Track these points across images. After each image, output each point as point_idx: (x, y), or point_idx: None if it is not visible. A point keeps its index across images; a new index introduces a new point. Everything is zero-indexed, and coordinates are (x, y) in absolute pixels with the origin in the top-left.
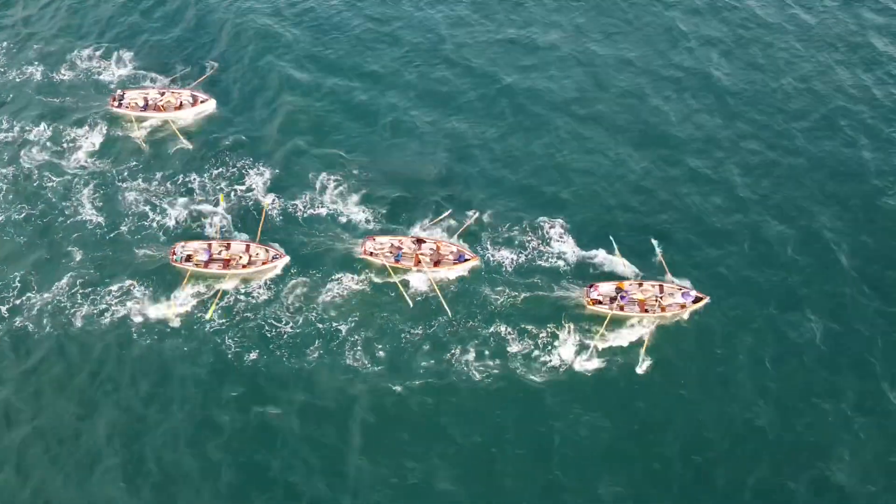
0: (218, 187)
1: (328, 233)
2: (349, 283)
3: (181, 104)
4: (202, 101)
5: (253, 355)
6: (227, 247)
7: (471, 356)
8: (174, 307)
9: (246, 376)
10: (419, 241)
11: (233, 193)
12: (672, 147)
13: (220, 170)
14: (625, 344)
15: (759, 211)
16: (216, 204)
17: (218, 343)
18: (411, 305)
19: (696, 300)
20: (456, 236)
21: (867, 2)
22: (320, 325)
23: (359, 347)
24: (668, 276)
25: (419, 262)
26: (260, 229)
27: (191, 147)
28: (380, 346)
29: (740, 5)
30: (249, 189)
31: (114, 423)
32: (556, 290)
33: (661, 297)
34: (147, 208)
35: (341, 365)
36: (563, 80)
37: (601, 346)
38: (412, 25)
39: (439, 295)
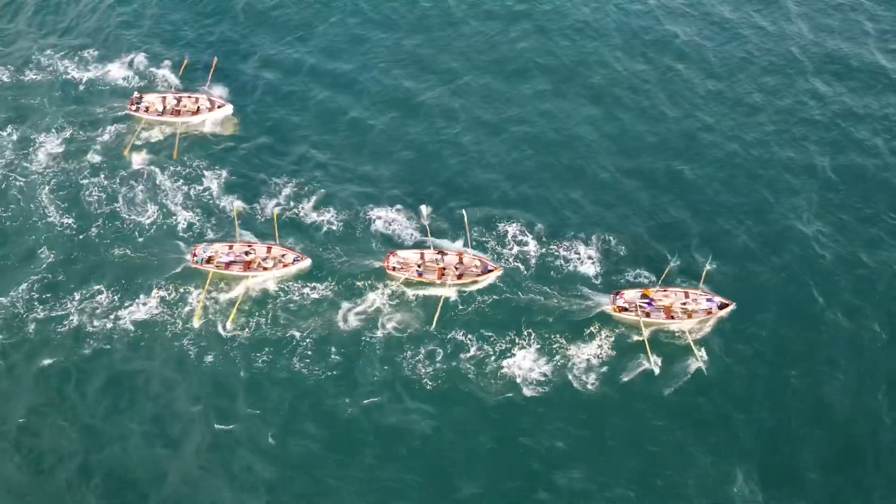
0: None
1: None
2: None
3: (198, 109)
4: (219, 106)
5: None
6: (249, 249)
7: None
8: (199, 310)
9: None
10: (441, 253)
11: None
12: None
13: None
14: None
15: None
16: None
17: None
18: (434, 325)
19: (722, 306)
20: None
21: None
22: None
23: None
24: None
25: (443, 274)
26: (276, 234)
27: (216, 150)
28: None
29: None
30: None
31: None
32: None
33: (686, 304)
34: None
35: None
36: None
37: (648, 357)
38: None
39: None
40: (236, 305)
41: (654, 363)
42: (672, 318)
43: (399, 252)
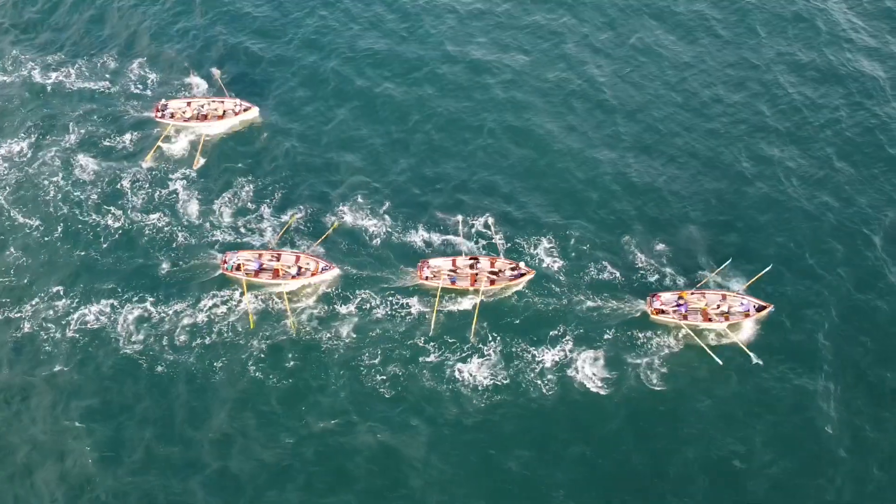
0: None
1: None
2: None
3: (224, 113)
4: (245, 110)
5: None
6: (278, 257)
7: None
8: (251, 316)
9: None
10: (473, 259)
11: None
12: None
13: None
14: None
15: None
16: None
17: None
18: (472, 332)
19: (760, 308)
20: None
21: None
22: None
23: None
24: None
25: (475, 281)
26: (319, 241)
27: (202, 163)
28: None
29: None
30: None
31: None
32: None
33: (723, 306)
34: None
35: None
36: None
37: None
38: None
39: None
40: (289, 312)
41: (718, 360)
42: (709, 320)
43: (431, 260)
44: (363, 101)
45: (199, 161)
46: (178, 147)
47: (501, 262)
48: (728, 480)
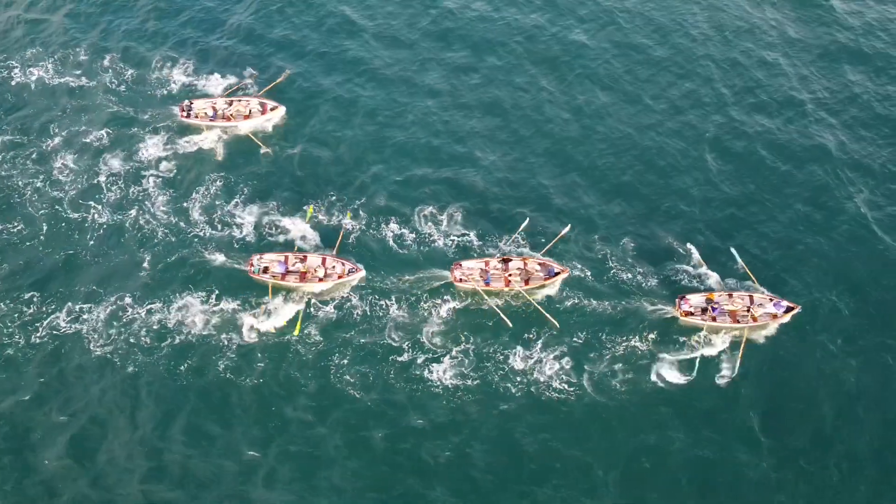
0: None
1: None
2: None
3: (250, 113)
4: (271, 109)
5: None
6: (303, 259)
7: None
8: (277, 321)
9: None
10: (505, 260)
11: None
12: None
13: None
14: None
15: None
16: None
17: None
18: (511, 326)
19: (788, 310)
20: (544, 251)
21: None
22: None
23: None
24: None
25: (509, 282)
26: (338, 244)
27: (270, 153)
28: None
29: None
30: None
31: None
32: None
33: (752, 308)
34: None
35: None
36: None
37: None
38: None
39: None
40: (300, 316)
41: (737, 366)
42: (738, 321)
43: (464, 263)
44: (384, 103)
45: (217, 157)
46: (205, 147)
47: (535, 262)
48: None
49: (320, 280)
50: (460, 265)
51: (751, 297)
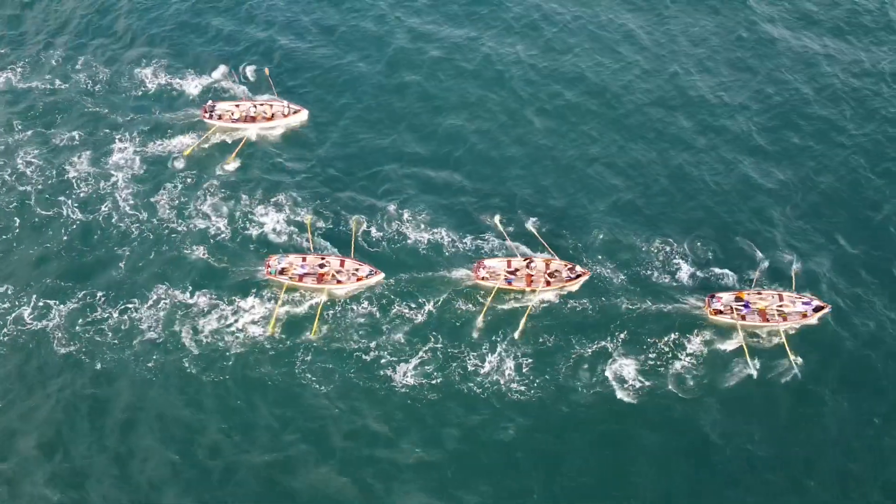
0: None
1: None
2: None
3: (273, 115)
4: (294, 112)
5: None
6: (323, 262)
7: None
8: (272, 321)
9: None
10: (528, 260)
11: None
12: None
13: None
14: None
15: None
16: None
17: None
18: (529, 325)
19: (817, 309)
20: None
21: None
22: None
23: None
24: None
25: (531, 282)
26: (353, 246)
27: (284, 159)
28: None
29: None
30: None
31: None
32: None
33: (781, 306)
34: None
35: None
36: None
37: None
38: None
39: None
40: (317, 317)
41: (753, 366)
42: (767, 320)
43: (486, 261)
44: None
45: (234, 162)
46: (224, 148)
47: (557, 264)
48: None
49: (339, 282)
50: (483, 263)
51: (780, 295)
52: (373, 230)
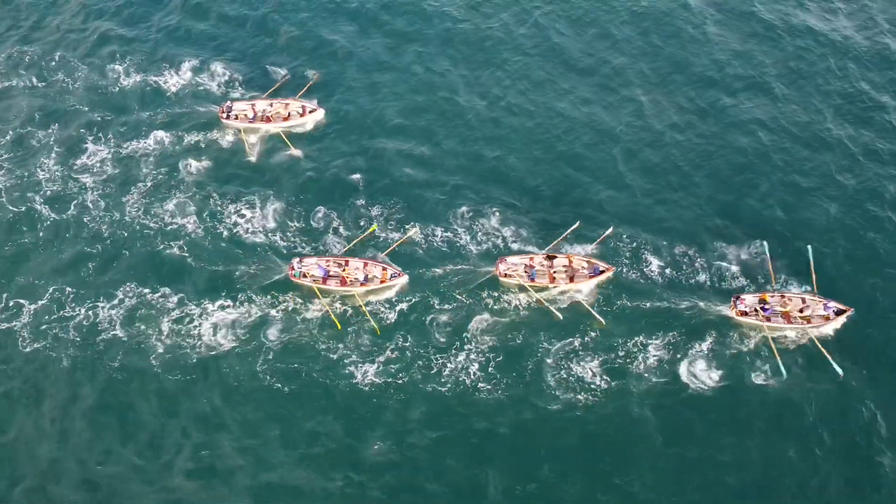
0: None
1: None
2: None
3: (289, 115)
4: (311, 112)
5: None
6: (345, 264)
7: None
8: (335, 320)
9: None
10: (550, 257)
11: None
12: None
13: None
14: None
15: None
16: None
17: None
18: (561, 318)
19: (839, 312)
20: (592, 247)
21: None
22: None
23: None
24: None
25: (553, 278)
26: (390, 249)
27: (301, 157)
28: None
29: None
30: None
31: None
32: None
33: (804, 309)
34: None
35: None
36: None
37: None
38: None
39: (590, 309)
40: (366, 314)
41: (782, 367)
42: (791, 323)
43: (508, 258)
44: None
45: (297, 150)
46: (242, 148)
47: (578, 260)
48: None
49: (362, 284)
50: (505, 260)
51: (803, 298)
52: (386, 233)
